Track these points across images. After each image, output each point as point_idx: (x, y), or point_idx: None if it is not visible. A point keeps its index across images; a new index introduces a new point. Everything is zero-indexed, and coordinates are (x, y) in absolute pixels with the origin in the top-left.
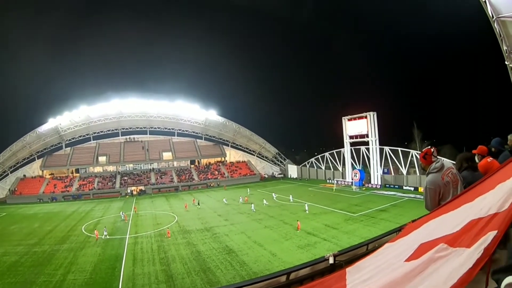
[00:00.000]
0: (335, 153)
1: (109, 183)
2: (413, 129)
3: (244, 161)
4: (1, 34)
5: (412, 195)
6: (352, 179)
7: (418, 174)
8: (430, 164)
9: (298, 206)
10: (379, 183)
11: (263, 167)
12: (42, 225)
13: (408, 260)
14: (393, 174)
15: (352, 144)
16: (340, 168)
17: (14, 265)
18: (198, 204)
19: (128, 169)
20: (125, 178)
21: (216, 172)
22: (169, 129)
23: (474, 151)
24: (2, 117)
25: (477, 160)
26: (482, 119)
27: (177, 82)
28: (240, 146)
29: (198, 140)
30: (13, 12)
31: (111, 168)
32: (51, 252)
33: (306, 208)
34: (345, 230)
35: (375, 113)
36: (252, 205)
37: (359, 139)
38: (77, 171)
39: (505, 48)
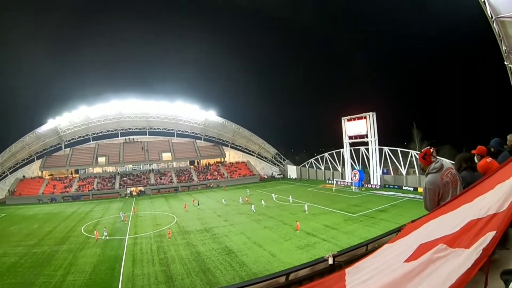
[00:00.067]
0: (334, 153)
1: (108, 184)
2: (412, 130)
3: (244, 162)
4: (1, 34)
5: (412, 196)
6: (351, 180)
7: (417, 174)
8: (430, 165)
9: (298, 206)
10: (379, 183)
11: (263, 168)
12: (41, 226)
13: (407, 260)
14: (392, 174)
15: (351, 145)
16: (339, 169)
17: (14, 266)
18: (198, 204)
19: (127, 169)
20: (125, 178)
21: (216, 173)
22: (169, 129)
23: (473, 151)
24: (2, 118)
25: (476, 161)
26: (482, 119)
27: (177, 82)
28: (240, 146)
29: (197, 140)
30: (13, 12)
31: (110, 169)
32: (51, 253)
33: (306, 208)
34: (345, 230)
35: (374, 113)
36: (252, 205)
37: (358, 140)
38: (76, 171)
39: (504, 48)
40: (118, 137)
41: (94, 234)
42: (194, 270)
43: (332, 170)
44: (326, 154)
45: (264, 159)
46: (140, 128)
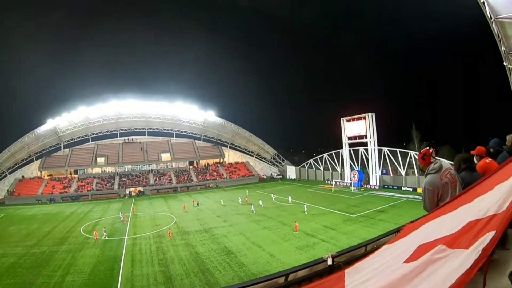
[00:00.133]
0: (333, 154)
1: (107, 184)
2: (411, 130)
3: (243, 162)
4: (0, 34)
5: (411, 196)
6: (350, 180)
7: (416, 175)
8: (429, 165)
9: (297, 207)
10: (378, 184)
11: (262, 168)
12: (40, 227)
13: (406, 261)
14: (391, 175)
15: (350, 145)
16: (338, 169)
17: (13, 266)
18: (198, 205)
19: (126, 170)
20: (124, 179)
21: (215, 173)
22: (168, 130)
23: (472, 152)
24: (1, 118)
25: (475, 161)
26: (481, 120)
27: (176, 82)
28: (239, 147)
29: (196, 141)
30: (13, 12)
31: (109, 169)
32: (50, 254)
33: (305, 209)
34: (344, 231)
35: (373, 114)
36: (252, 206)
37: (357, 140)
38: (75, 172)
39: (503, 49)
40: (117, 137)
41: (93, 234)
42: (193, 270)
43: (331, 171)
44: (325, 155)
45: (263, 159)
46: (139, 129)
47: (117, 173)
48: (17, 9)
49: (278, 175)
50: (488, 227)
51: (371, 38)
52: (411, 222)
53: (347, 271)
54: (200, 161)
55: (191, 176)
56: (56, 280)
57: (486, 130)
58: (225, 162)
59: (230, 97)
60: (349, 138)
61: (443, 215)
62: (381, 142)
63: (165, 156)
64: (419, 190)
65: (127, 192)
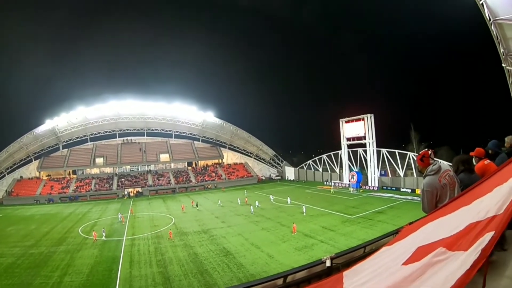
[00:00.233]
0: (332, 155)
1: (106, 185)
2: (410, 131)
3: (242, 163)
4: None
5: (409, 197)
6: (349, 181)
7: (415, 176)
8: (428, 167)
9: (296, 208)
10: (376, 185)
11: (260, 169)
12: (39, 227)
13: (405, 263)
14: (390, 176)
15: (349, 146)
16: (337, 170)
17: (11, 266)
18: (197, 206)
19: (125, 170)
20: (122, 179)
21: (214, 174)
22: (167, 130)
23: (471, 153)
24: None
25: (474, 163)
26: (480, 121)
27: (175, 83)
28: (238, 148)
29: (195, 142)
30: (13, 12)
31: (108, 170)
32: (48, 254)
33: (304, 210)
34: (342, 232)
35: (372, 115)
36: (251, 207)
37: (356, 141)
38: (74, 172)
39: (502, 50)
40: (116, 138)
41: (91, 235)
42: (192, 271)
43: (330, 172)
44: (324, 156)
45: (262, 160)
46: (138, 129)
47: (116, 173)
48: (17, 9)
49: (277, 176)
50: (487, 228)
51: (371, 38)
52: (410, 223)
53: (346, 273)
54: (199, 162)
55: (189, 177)
56: (54, 280)
57: (485, 131)
58: (223, 163)
59: (229, 98)
60: (348, 139)
61: (441, 217)
62: (380, 143)
63: (164, 157)
64: (418, 191)
65: (126, 192)
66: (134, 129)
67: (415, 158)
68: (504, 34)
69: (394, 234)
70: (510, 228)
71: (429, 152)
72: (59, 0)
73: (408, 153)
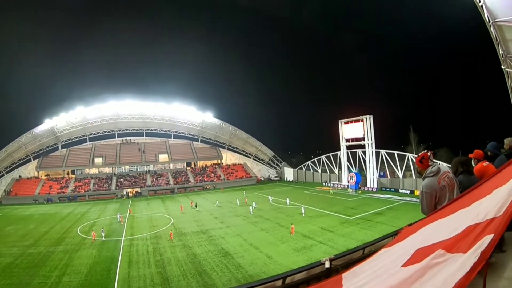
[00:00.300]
0: (331, 156)
1: (105, 185)
2: (409, 133)
3: (241, 164)
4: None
5: (408, 198)
6: (348, 182)
7: (414, 177)
8: (427, 168)
9: (295, 209)
10: (375, 186)
11: (259, 170)
12: (37, 227)
13: (404, 265)
14: (389, 177)
15: (348, 147)
16: (336, 171)
17: (9, 266)
18: (196, 206)
19: (124, 171)
20: (121, 180)
21: (212, 175)
22: (166, 131)
23: (470, 155)
24: None
25: (473, 164)
26: (479, 122)
27: (174, 83)
28: (237, 148)
29: (194, 142)
30: (13, 12)
31: (107, 170)
32: (46, 254)
33: (303, 211)
34: (341, 233)
35: (371, 116)
36: (251, 207)
37: (355, 142)
38: (73, 172)
39: (501, 52)
40: (115, 138)
41: (90, 235)
42: (190, 272)
43: (329, 173)
44: (323, 157)
45: (261, 161)
46: (137, 129)
47: (115, 173)
48: (17, 9)
49: (276, 177)
50: (487, 231)
51: (371, 38)
52: (409, 225)
53: (345, 274)
54: (198, 162)
55: (188, 177)
56: (53, 280)
57: (484, 133)
58: (222, 163)
59: (229, 98)
60: (347, 140)
61: (441, 219)
62: (379, 144)
63: (163, 157)
64: (417, 192)
65: (125, 193)
66: (133, 129)
67: (414, 160)
68: (504, 36)
69: (393, 236)
70: (509, 230)
71: (428, 153)
72: (59, 0)
73: (407, 154)
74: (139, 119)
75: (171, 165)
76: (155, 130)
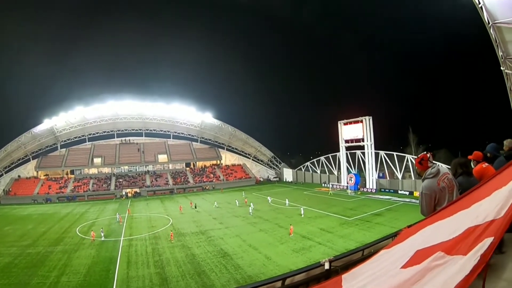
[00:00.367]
0: (330, 157)
1: (104, 185)
2: (408, 134)
3: (240, 165)
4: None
5: (407, 200)
6: (347, 183)
7: (413, 178)
8: (426, 170)
9: (294, 210)
10: (374, 187)
11: (259, 171)
12: (36, 227)
13: (404, 267)
14: (388, 178)
15: (347, 148)
16: (335, 172)
17: (8, 266)
18: (195, 207)
19: (123, 171)
20: (120, 180)
21: (212, 175)
22: (165, 131)
23: (469, 157)
24: None
25: (472, 166)
26: (478, 124)
27: (174, 83)
28: (236, 149)
29: (193, 142)
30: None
31: (106, 170)
32: (45, 254)
33: (302, 212)
34: (340, 234)
35: (370, 117)
36: (250, 208)
37: (354, 143)
38: (72, 172)
39: (500, 53)
40: (114, 138)
41: (89, 235)
42: (189, 272)
43: (328, 174)
44: (322, 158)
45: (260, 162)
46: (136, 130)
47: (114, 173)
48: (17, 9)
49: (275, 177)
50: (486, 233)
51: (367, 43)
52: (408, 226)
53: (344, 276)
54: (197, 162)
55: (187, 178)
56: (52, 280)
57: (484, 134)
58: (222, 164)
59: (228, 99)
60: (346, 141)
61: (440, 220)
62: (378, 145)
63: (162, 158)
64: (416, 193)
65: (124, 193)
66: (133, 130)
67: (413, 161)
68: (503, 37)
69: (393, 237)
70: (508, 231)
71: (428, 155)
72: (59, 0)
73: (406, 155)
74: (139, 119)
75: (170, 166)
76: (154, 130)
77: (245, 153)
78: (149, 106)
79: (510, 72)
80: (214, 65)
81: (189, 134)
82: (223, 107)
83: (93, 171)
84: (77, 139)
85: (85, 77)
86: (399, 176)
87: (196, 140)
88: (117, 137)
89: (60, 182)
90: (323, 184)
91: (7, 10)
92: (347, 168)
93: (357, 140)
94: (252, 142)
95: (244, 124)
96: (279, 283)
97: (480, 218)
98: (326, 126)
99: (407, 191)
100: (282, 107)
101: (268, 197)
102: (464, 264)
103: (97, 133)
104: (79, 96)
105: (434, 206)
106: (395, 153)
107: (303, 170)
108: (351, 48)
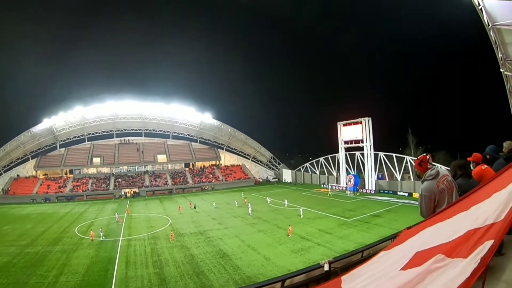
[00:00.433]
0: (329, 158)
1: (103, 185)
2: (407, 135)
3: (239, 165)
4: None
5: (406, 201)
6: (346, 184)
7: (412, 179)
8: (426, 171)
9: (292, 210)
10: (374, 188)
11: (258, 171)
12: (35, 226)
13: (404, 268)
14: (387, 179)
15: (347, 149)
16: (334, 173)
17: (6, 266)
18: (195, 207)
19: (122, 171)
20: (119, 180)
21: (211, 176)
22: (164, 131)
23: (468, 159)
24: None
25: (471, 167)
26: (477, 125)
27: (173, 84)
28: (235, 149)
29: (193, 143)
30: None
31: (105, 170)
32: (44, 254)
33: (301, 212)
34: (339, 235)
35: (370, 118)
36: (250, 209)
37: (354, 145)
38: (71, 172)
39: (500, 55)
40: (113, 138)
41: (87, 235)
42: (188, 273)
43: (327, 175)
44: (321, 159)
45: (259, 162)
46: (136, 130)
47: (113, 173)
48: (17, 9)
49: (274, 178)
50: (486, 236)
51: (367, 44)
52: (408, 228)
53: (344, 277)
54: (196, 163)
55: (186, 178)
56: (50, 280)
57: (483, 136)
58: (221, 164)
59: (228, 99)
60: (345, 142)
61: (440, 222)
62: (377, 146)
63: (161, 158)
64: (415, 195)
65: (123, 193)
66: (132, 130)
67: (413, 162)
68: (503, 39)
69: (392, 239)
70: (507, 233)
71: (427, 157)
72: (59, 0)
73: (406, 156)
74: (138, 119)
75: (170, 166)
76: (153, 130)
77: (244, 154)
78: (149, 106)
79: (509, 74)
80: (214, 65)
81: (188, 135)
82: (223, 107)
83: (92, 171)
84: (76, 138)
85: (85, 77)
86: (398, 177)
87: (196, 141)
88: (116, 137)
89: (59, 181)
90: (322, 185)
91: (7, 10)
92: (346, 169)
93: (356, 141)
94: (251, 143)
95: (244, 124)
96: (278, 285)
97: (480, 221)
98: (326, 127)
99: (406, 192)
100: (282, 107)
101: (267, 198)
102: (464, 267)
103: (96, 133)
104: (79, 96)
105: (433, 208)
106: (394, 154)
107: (302, 171)
108: (351, 48)
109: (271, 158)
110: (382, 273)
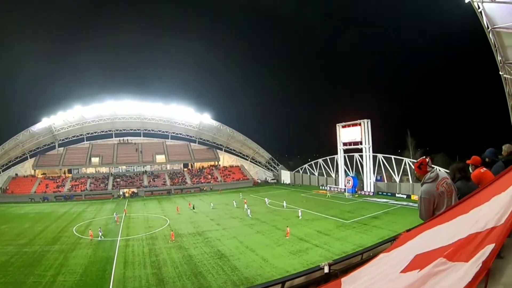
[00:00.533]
0: (328, 159)
1: (101, 185)
2: (406, 137)
3: (238, 166)
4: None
5: (405, 203)
6: (345, 186)
7: (411, 182)
8: (425, 174)
9: (291, 212)
10: (372, 190)
11: (256, 172)
12: (33, 225)
13: (404, 271)
14: (386, 181)
15: (345, 151)
16: (333, 175)
17: (4, 265)
18: (193, 208)
19: (121, 171)
20: (118, 180)
21: (209, 176)
22: (163, 131)
23: (467, 161)
24: None
25: (470, 170)
26: (477, 128)
27: (173, 84)
28: (234, 150)
29: (191, 143)
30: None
31: (103, 170)
32: (42, 253)
33: (299, 214)
34: (337, 236)
35: (369, 120)
36: (248, 210)
37: (352, 146)
38: (69, 171)
39: (499, 58)
40: (112, 137)
41: (86, 234)
42: (186, 273)
43: (325, 176)
44: (320, 160)
45: (258, 163)
46: (135, 130)
47: (111, 173)
48: (17, 9)
49: (273, 179)
50: (487, 240)
51: (366, 46)
52: (407, 230)
53: (344, 279)
54: (195, 163)
55: (185, 179)
56: (48, 280)
57: (482, 138)
58: (219, 165)
59: (227, 100)
60: (344, 144)
61: (439, 225)
62: (376, 148)
63: (160, 158)
64: (413, 197)
65: (121, 193)
66: (131, 129)
67: (411, 164)
68: (502, 42)
69: (392, 241)
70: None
71: (427, 159)
72: (59, 0)
73: (404, 159)
74: (137, 119)
75: (168, 166)
76: (152, 130)
77: (243, 155)
78: (148, 106)
79: (508, 77)
80: (214, 65)
81: (187, 135)
82: (222, 108)
83: (91, 170)
84: (75, 138)
85: (84, 76)
86: (397, 179)
87: (194, 141)
88: (115, 137)
89: (57, 181)
90: (320, 187)
91: (7, 10)
92: (345, 170)
93: (355, 143)
94: (250, 144)
95: (243, 125)
96: (278, 287)
97: (480, 224)
98: (325, 128)
99: (405, 194)
100: (282, 107)
101: (266, 199)
102: (466, 270)
103: (95, 132)
104: (78, 95)
105: (433, 211)
106: (393, 156)
107: (301, 172)
108: (351, 48)
109: (270, 159)
110: (382, 276)
